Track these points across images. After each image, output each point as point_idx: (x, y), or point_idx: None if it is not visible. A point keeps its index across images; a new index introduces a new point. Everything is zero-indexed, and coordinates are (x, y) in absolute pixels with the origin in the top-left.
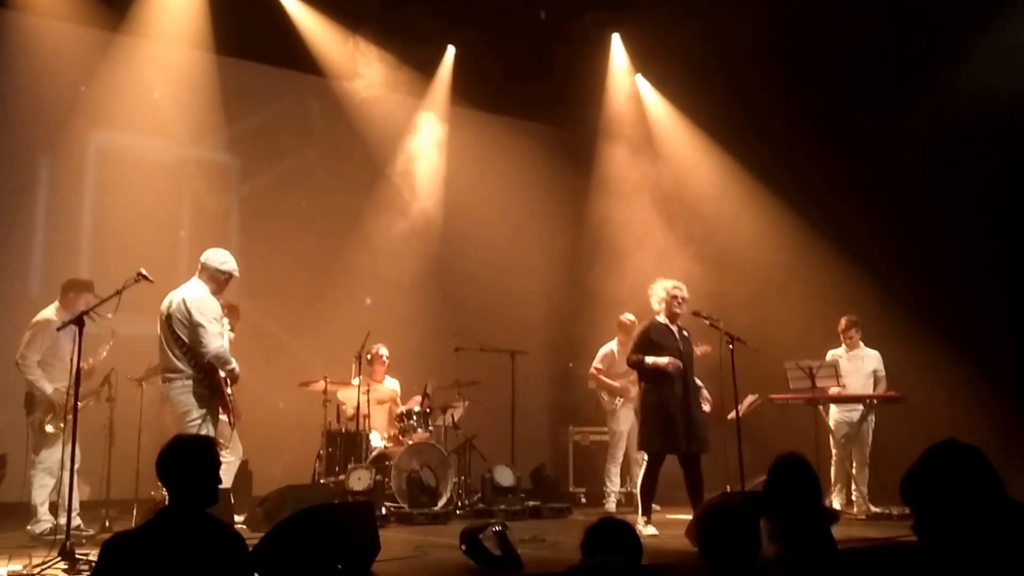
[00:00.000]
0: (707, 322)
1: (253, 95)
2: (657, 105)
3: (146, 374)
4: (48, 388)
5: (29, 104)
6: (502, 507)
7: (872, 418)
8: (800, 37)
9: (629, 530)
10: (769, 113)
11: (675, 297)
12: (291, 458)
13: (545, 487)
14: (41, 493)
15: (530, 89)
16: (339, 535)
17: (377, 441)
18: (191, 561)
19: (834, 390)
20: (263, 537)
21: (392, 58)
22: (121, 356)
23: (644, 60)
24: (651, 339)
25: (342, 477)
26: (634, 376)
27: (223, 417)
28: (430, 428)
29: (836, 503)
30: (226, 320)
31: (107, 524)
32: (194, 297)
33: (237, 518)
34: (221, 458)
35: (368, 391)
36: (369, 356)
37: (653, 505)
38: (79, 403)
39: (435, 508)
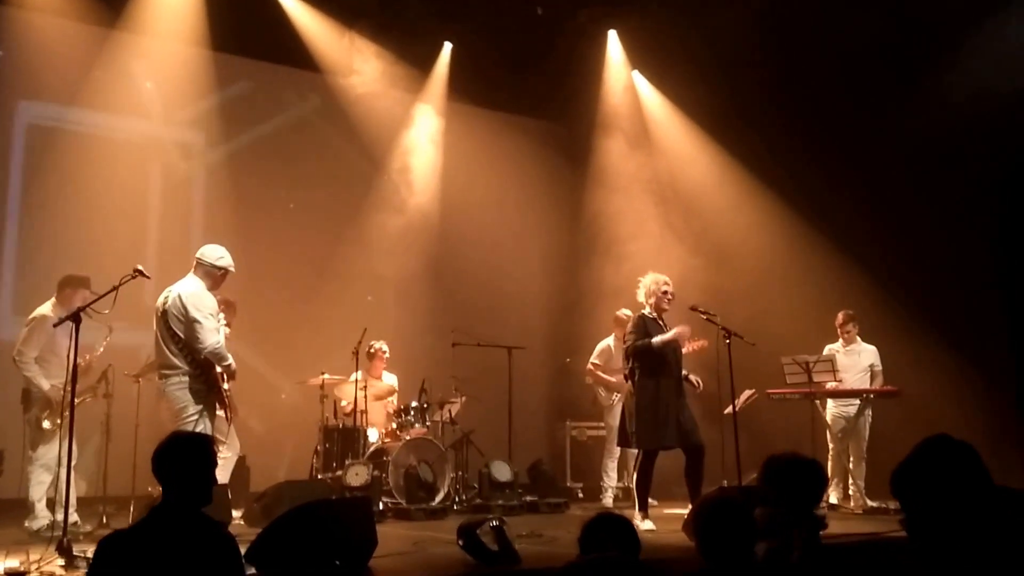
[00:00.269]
0: (704, 317)
1: (250, 91)
2: (653, 100)
3: (143, 370)
4: (45, 384)
5: (24, 100)
6: (499, 502)
7: (869, 412)
8: (797, 33)
9: (627, 525)
10: (766, 109)
11: (665, 292)
12: (289, 454)
13: (542, 482)
14: (38, 489)
15: (527, 85)
16: (336, 531)
17: (374, 437)
18: (184, 561)
19: (831, 385)
20: (261, 533)
21: (389, 54)
22: (118, 352)
23: (640, 56)
24: (647, 329)
25: (340, 473)
26: None
27: (220, 413)
28: (427, 423)
29: (833, 497)
30: (222, 316)
31: (104, 520)
32: (190, 293)
33: (235, 514)
34: (218, 454)
35: (366, 387)
36: (370, 352)
37: (650, 500)
38: (76, 399)
39: (432, 503)
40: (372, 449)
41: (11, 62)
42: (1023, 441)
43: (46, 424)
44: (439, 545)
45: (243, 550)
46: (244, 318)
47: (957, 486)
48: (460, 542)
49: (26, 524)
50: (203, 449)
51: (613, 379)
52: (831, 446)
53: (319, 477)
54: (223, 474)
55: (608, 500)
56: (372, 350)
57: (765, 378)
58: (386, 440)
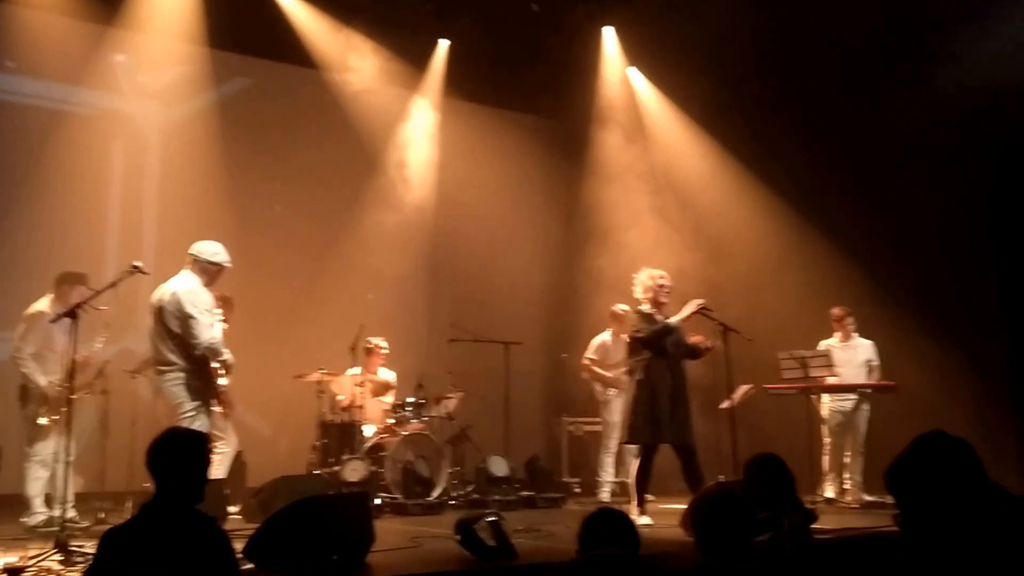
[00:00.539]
0: (701, 313)
1: (247, 88)
2: (649, 96)
3: (140, 366)
4: (42, 381)
5: (21, 97)
6: (496, 497)
7: (866, 407)
8: (791, 29)
9: (626, 520)
10: (761, 104)
11: (661, 286)
12: (286, 449)
13: (539, 477)
14: (35, 485)
15: (523, 81)
16: (334, 526)
17: (371, 432)
18: (178, 557)
19: (829, 380)
20: (258, 528)
21: (385, 50)
22: (116, 348)
23: (636, 52)
24: (653, 321)
25: (337, 468)
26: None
27: (217, 408)
28: (424, 419)
29: (830, 492)
30: (219, 311)
31: (101, 516)
32: (185, 289)
33: (232, 509)
34: (216, 449)
35: (363, 383)
36: (368, 348)
37: (647, 495)
38: (73, 395)
39: (429, 499)
40: (369, 445)
41: (10, 61)
42: (1019, 435)
43: (43, 420)
44: (436, 540)
45: (240, 545)
46: (241, 314)
47: (952, 483)
48: (457, 537)
49: (23, 520)
50: (198, 446)
51: (609, 374)
52: (827, 441)
53: (316, 472)
54: (220, 469)
55: (605, 495)
56: (370, 346)
57: (762, 373)
58: (383, 436)
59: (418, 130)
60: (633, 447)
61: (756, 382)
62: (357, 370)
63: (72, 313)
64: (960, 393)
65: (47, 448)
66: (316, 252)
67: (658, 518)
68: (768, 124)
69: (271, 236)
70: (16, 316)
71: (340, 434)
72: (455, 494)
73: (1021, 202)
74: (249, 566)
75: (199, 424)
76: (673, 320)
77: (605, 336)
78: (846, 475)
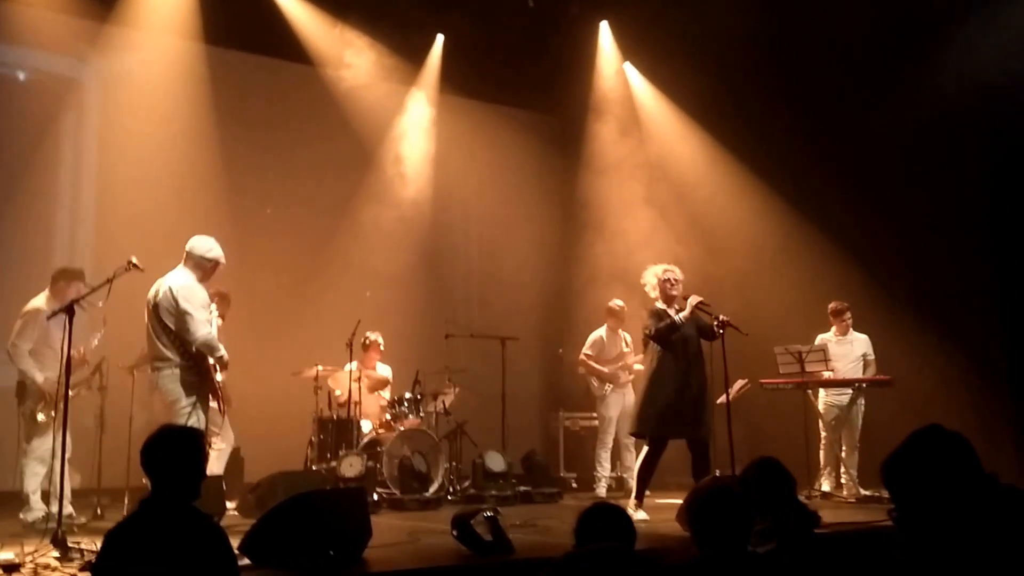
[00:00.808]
0: (698, 308)
1: (242, 84)
2: (645, 92)
3: (137, 362)
4: (39, 377)
5: (16, 94)
6: (493, 492)
7: (862, 401)
8: (788, 24)
9: (622, 515)
10: (757, 99)
11: (667, 280)
12: (283, 445)
13: (536, 472)
14: (33, 481)
15: (519, 76)
16: (330, 521)
17: (369, 428)
18: (177, 556)
19: (825, 374)
20: (255, 523)
21: (381, 46)
22: (113, 345)
23: (632, 47)
24: (661, 317)
25: (334, 464)
26: (624, 363)
27: (213, 404)
28: (421, 414)
29: (826, 486)
30: (214, 307)
31: (99, 512)
32: (180, 285)
33: (229, 504)
34: (213, 445)
35: (360, 378)
36: (365, 343)
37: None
38: (70, 392)
39: (426, 494)
40: (366, 440)
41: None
42: (1014, 429)
43: (40, 417)
44: (433, 535)
45: (238, 541)
46: (238, 310)
47: (948, 477)
48: (454, 532)
49: (21, 516)
50: (192, 443)
51: (605, 369)
52: (824, 435)
53: (313, 468)
54: (217, 465)
55: (601, 490)
56: (367, 341)
57: (758, 368)
58: (380, 431)
59: (414, 126)
60: (634, 441)
61: (752, 377)
62: (354, 365)
63: (68, 309)
64: (956, 387)
65: (44, 444)
66: (313, 248)
67: (655, 513)
68: (764, 119)
69: (268, 232)
70: (13, 314)
71: (337, 430)
72: (452, 489)
73: (1018, 197)
74: (246, 562)
75: (195, 420)
76: (678, 318)
77: (601, 331)
78: (842, 469)
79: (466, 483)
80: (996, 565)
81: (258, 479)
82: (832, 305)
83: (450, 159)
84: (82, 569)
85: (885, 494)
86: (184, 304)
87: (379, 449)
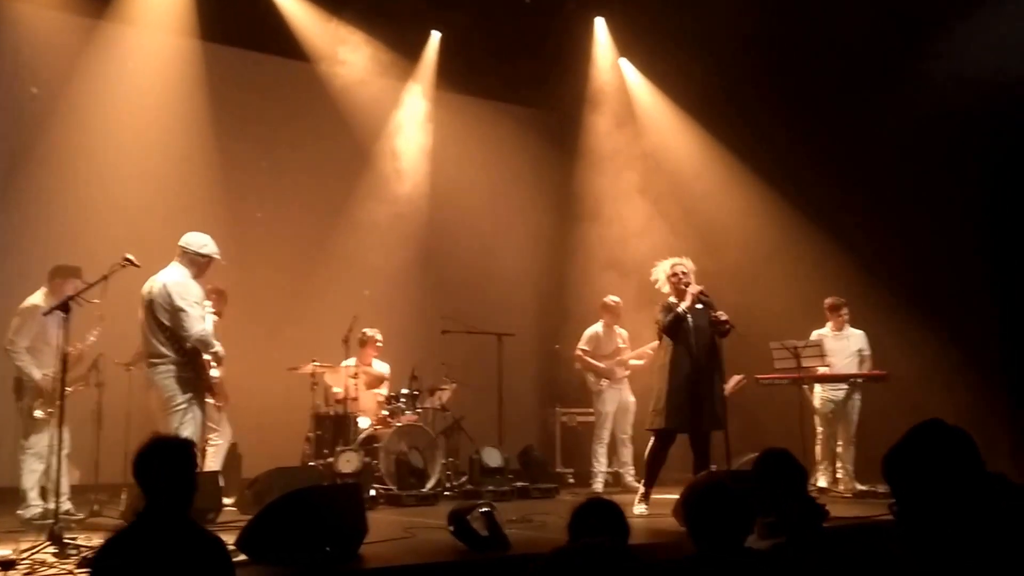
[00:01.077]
0: (700, 305)
1: (238, 81)
2: (641, 87)
3: (134, 359)
4: (37, 374)
5: (12, 91)
6: (490, 488)
7: (858, 397)
8: (785, 20)
9: (616, 510)
10: (754, 95)
11: (676, 274)
12: (280, 441)
13: (533, 468)
14: (30, 478)
15: (515, 72)
16: (327, 517)
17: (365, 424)
18: (176, 568)
19: (821, 370)
20: (251, 519)
21: (377, 43)
22: (110, 341)
23: (628, 42)
24: (670, 310)
25: (331, 460)
26: (620, 358)
27: (209, 400)
28: (418, 410)
29: (822, 481)
30: (208, 303)
31: (96, 508)
32: (174, 282)
33: (226, 500)
34: (210, 441)
35: (357, 374)
36: (362, 339)
37: (639, 484)
38: (68, 388)
39: (423, 490)
40: (363, 436)
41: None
42: (1010, 424)
43: (38, 413)
44: (430, 531)
45: (234, 537)
46: (235, 306)
47: (949, 472)
48: (450, 528)
49: (19, 513)
50: (184, 452)
51: (602, 365)
52: (820, 430)
53: (310, 464)
54: (215, 461)
55: (598, 485)
56: (364, 337)
57: (754, 363)
58: (377, 427)
59: (410, 122)
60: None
61: (748, 372)
62: (351, 361)
63: (64, 306)
64: (951, 382)
65: (42, 441)
66: (309, 244)
67: (651, 508)
68: (761, 114)
69: (264, 228)
70: (11, 311)
71: (334, 426)
72: (449, 485)
73: (1014, 194)
74: (242, 558)
75: (191, 416)
76: (681, 309)
77: (597, 327)
78: (838, 464)
79: (463, 479)
80: (994, 560)
81: (255, 475)
82: (829, 300)
83: (446, 155)
84: (79, 566)
85: (881, 489)
86: (179, 301)
87: (376, 445)
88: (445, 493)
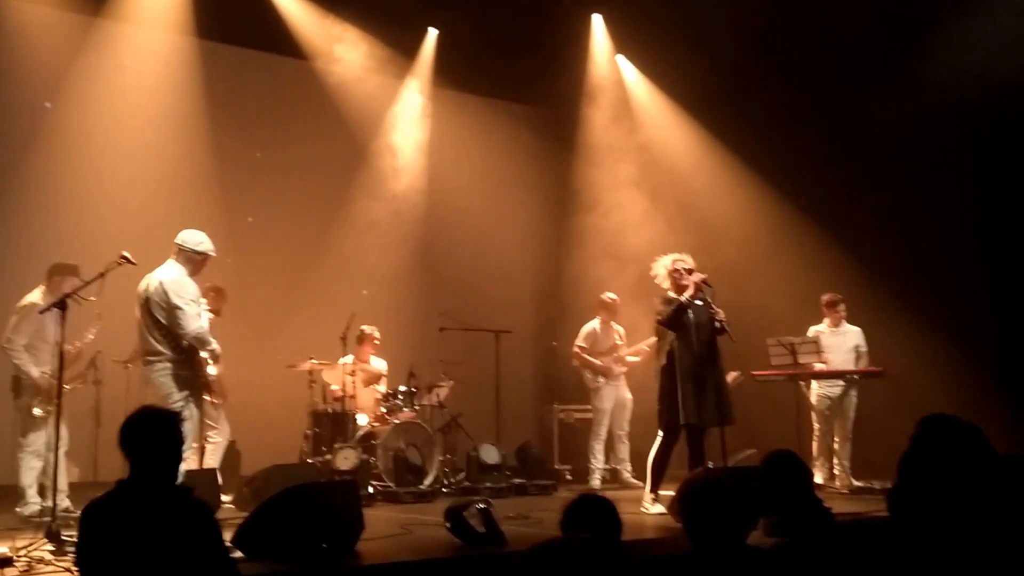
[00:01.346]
0: (699, 302)
1: (235, 79)
2: (638, 84)
3: (132, 356)
4: (35, 372)
5: (9, 89)
6: (488, 485)
7: (854, 393)
8: (782, 16)
9: (608, 506)
10: (751, 91)
11: (676, 270)
12: (278, 438)
13: (530, 465)
14: (29, 475)
15: (512, 69)
16: (323, 514)
17: (363, 421)
18: (163, 528)
19: (818, 366)
20: (248, 516)
21: (374, 40)
22: (108, 339)
23: (625, 39)
24: (670, 303)
25: (329, 457)
26: (617, 355)
27: (208, 398)
28: (416, 407)
29: (818, 478)
30: (204, 301)
31: None
32: (170, 279)
33: (225, 498)
34: (209, 439)
35: (354, 372)
36: (360, 335)
37: (636, 481)
38: (66, 386)
39: (421, 486)
40: (361, 433)
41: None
42: (1005, 420)
43: (37, 411)
44: (427, 528)
45: (233, 534)
46: (233, 304)
47: (966, 467)
48: (447, 524)
49: (18, 510)
50: (170, 424)
51: (599, 362)
52: (816, 427)
53: (308, 461)
54: (213, 458)
55: (596, 482)
56: (363, 334)
57: (750, 359)
58: (375, 424)
59: (407, 119)
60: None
61: (744, 369)
62: (349, 359)
63: (61, 304)
64: (948, 379)
65: (40, 438)
66: (306, 242)
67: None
68: (758, 111)
69: (261, 226)
70: (9, 309)
71: (332, 423)
72: (447, 482)
73: (1011, 191)
74: (239, 555)
75: (188, 414)
76: (684, 297)
77: (595, 324)
78: (835, 460)
79: (461, 475)
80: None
81: (254, 472)
82: (826, 297)
83: (444, 153)
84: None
85: (878, 485)
86: (175, 298)
87: (374, 442)
88: (443, 490)
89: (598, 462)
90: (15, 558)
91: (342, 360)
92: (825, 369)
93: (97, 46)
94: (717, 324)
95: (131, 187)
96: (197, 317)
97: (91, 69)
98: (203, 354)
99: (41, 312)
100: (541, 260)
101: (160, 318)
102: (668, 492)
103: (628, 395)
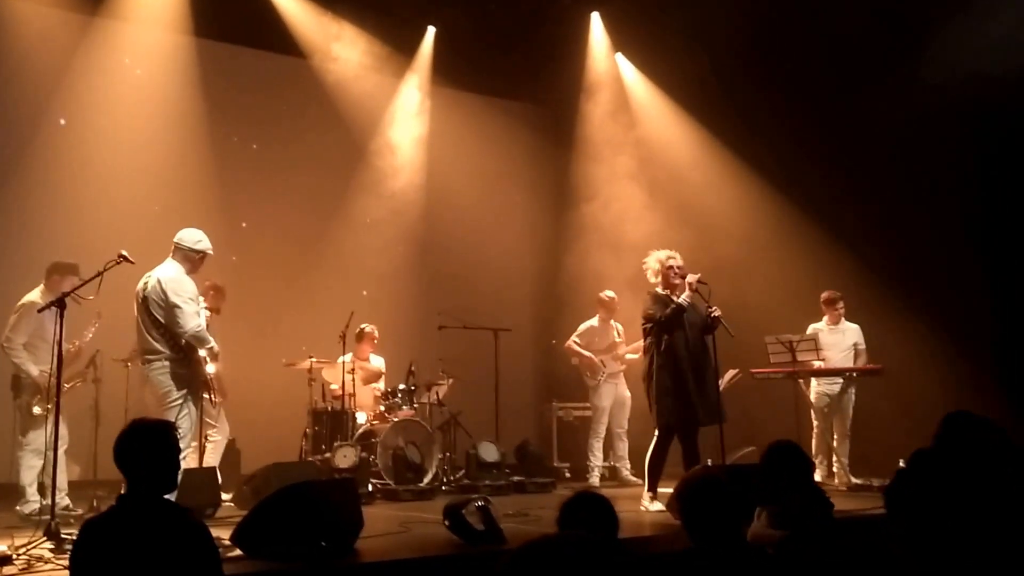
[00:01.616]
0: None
1: (233, 77)
2: (636, 82)
3: (131, 355)
4: (34, 370)
5: (7, 88)
6: (487, 482)
7: (853, 390)
8: (780, 14)
9: (605, 503)
10: (749, 90)
11: (671, 268)
12: (278, 436)
13: (529, 462)
14: (29, 474)
15: (511, 67)
16: (322, 512)
17: (363, 419)
18: (157, 550)
19: (816, 364)
20: (247, 514)
21: (373, 38)
22: (107, 337)
23: (623, 37)
24: (667, 302)
25: (328, 455)
26: (615, 352)
27: (206, 396)
28: (415, 405)
29: (817, 475)
30: (202, 299)
31: (95, 504)
32: (169, 278)
33: (225, 496)
34: (208, 437)
35: (354, 370)
36: (359, 333)
37: (635, 478)
38: (66, 385)
39: (421, 484)
40: (361, 431)
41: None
42: (1004, 418)
43: (36, 410)
44: (425, 525)
45: (232, 532)
46: (232, 302)
47: (990, 464)
48: (446, 522)
49: (18, 508)
50: (164, 436)
51: (588, 354)
52: (815, 424)
53: (308, 459)
54: (213, 457)
55: (595, 479)
56: (362, 332)
57: (749, 357)
58: (374, 422)
59: (406, 117)
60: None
61: (743, 367)
62: (348, 357)
63: (60, 302)
64: (946, 377)
65: (40, 437)
66: (306, 240)
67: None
68: (756, 109)
69: (260, 224)
70: (9, 308)
71: (332, 421)
72: (446, 480)
73: (1009, 188)
74: (238, 552)
75: (186, 412)
76: (683, 298)
77: (593, 321)
78: (833, 458)
79: (460, 473)
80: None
81: (254, 471)
82: (825, 294)
83: (442, 150)
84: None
85: (876, 482)
86: (173, 297)
87: (373, 440)
88: (442, 488)
89: (597, 460)
90: (14, 556)
91: (341, 358)
92: (824, 367)
93: (96, 45)
94: (711, 320)
95: (129, 186)
96: (195, 315)
97: (90, 68)
98: (201, 352)
99: (40, 311)
100: (540, 258)
101: (158, 316)
102: (667, 489)
103: (627, 393)
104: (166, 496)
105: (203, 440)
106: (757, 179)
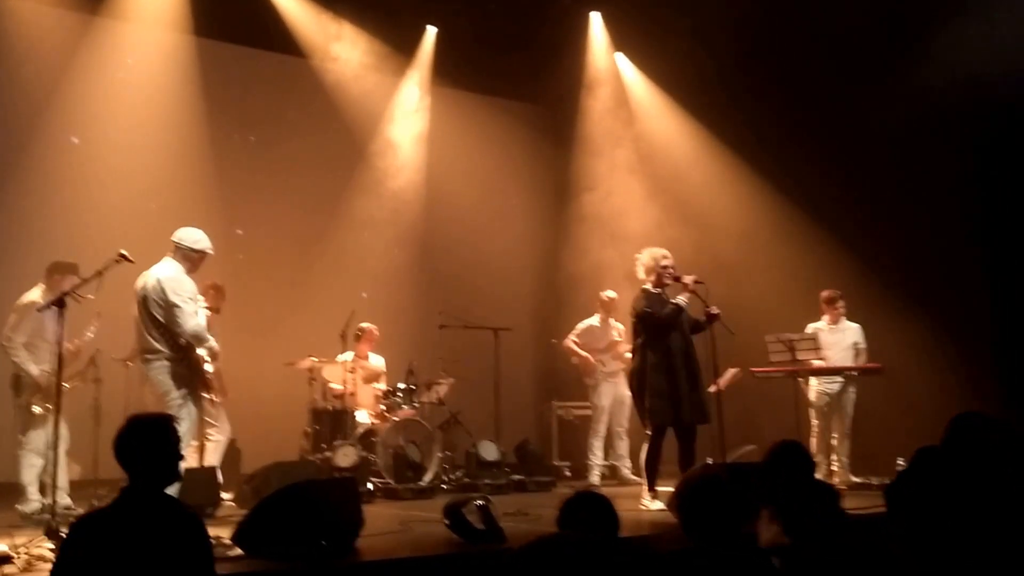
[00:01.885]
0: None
1: (233, 77)
2: (636, 82)
3: (131, 354)
4: (34, 370)
5: (7, 88)
6: (487, 481)
7: (853, 390)
8: (779, 14)
9: (606, 503)
10: (749, 89)
11: (666, 267)
12: (279, 435)
13: (530, 461)
14: (29, 473)
15: (511, 67)
16: (323, 511)
17: (363, 418)
18: (152, 544)
19: (816, 363)
20: (247, 513)
21: (373, 38)
22: (108, 337)
23: (623, 37)
24: (661, 300)
25: (329, 454)
26: (615, 351)
27: (207, 395)
28: (415, 404)
29: (817, 474)
30: (202, 298)
31: (95, 503)
32: (168, 277)
33: (225, 495)
34: (209, 437)
35: (354, 369)
36: (359, 332)
37: (635, 477)
38: (66, 384)
39: (421, 483)
40: (361, 430)
41: None
42: (1003, 418)
43: (36, 409)
44: (425, 524)
45: (233, 532)
46: (232, 302)
47: (1000, 464)
48: (446, 521)
49: (18, 507)
50: (163, 430)
51: (584, 353)
52: (815, 423)
53: (308, 459)
54: (214, 456)
55: (595, 478)
56: (362, 332)
57: (748, 356)
58: (374, 421)
59: (406, 117)
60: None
61: (743, 365)
62: (348, 356)
63: (60, 302)
64: (946, 376)
65: (41, 436)
66: (306, 240)
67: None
68: (756, 108)
69: (260, 223)
70: (8, 307)
71: (332, 420)
72: (446, 479)
73: (1008, 187)
74: (238, 551)
75: (186, 412)
76: (682, 300)
77: (593, 320)
78: (833, 457)
79: (460, 472)
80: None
81: (254, 470)
82: (825, 293)
83: (442, 150)
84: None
85: (876, 481)
86: (172, 296)
87: (374, 439)
88: (442, 487)
89: (597, 459)
90: (14, 555)
91: (341, 357)
92: (824, 366)
93: (96, 44)
94: (707, 317)
95: (129, 185)
96: (194, 315)
97: (89, 67)
98: (201, 351)
99: (40, 310)
100: (540, 257)
101: (158, 316)
102: (667, 488)
103: (627, 392)
104: (169, 488)
105: (203, 439)
106: (757, 178)
